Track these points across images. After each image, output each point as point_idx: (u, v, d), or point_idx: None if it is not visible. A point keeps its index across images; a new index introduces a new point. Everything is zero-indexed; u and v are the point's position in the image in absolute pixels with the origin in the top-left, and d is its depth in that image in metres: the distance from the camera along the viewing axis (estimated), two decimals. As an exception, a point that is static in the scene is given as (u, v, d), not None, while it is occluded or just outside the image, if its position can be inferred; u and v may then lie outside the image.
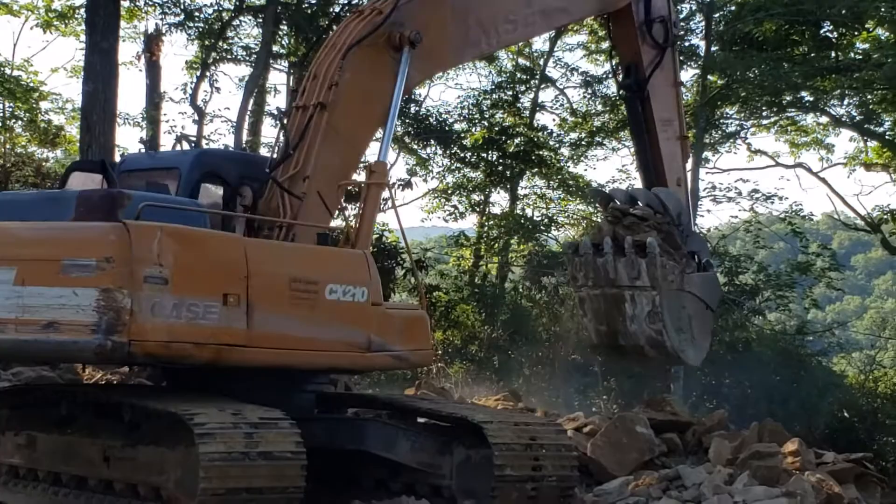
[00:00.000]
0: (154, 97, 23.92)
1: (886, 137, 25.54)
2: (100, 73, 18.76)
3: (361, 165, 11.85)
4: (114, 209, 8.63)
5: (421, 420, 10.78)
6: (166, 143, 22.99)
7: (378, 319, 9.98)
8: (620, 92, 14.65)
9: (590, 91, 28.07)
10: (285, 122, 10.88)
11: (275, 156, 10.52)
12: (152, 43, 24.10)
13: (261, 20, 23.78)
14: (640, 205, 12.39)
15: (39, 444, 9.73)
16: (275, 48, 24.19)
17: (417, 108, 25.65)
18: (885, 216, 25.73)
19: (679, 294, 12.22)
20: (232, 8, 24.60)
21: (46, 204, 9.62)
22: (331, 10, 24.23)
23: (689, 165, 17.62)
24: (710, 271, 13.36)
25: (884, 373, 21.93)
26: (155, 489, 8.62)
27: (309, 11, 23.86)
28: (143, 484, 8.69)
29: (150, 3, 24.07)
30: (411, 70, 10.81)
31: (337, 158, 10.55)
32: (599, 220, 13.78)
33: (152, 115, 23.68)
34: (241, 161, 12.36)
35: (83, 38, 20.88)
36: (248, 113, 23.83)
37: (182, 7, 23.97)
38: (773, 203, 25.43)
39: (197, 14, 24.26)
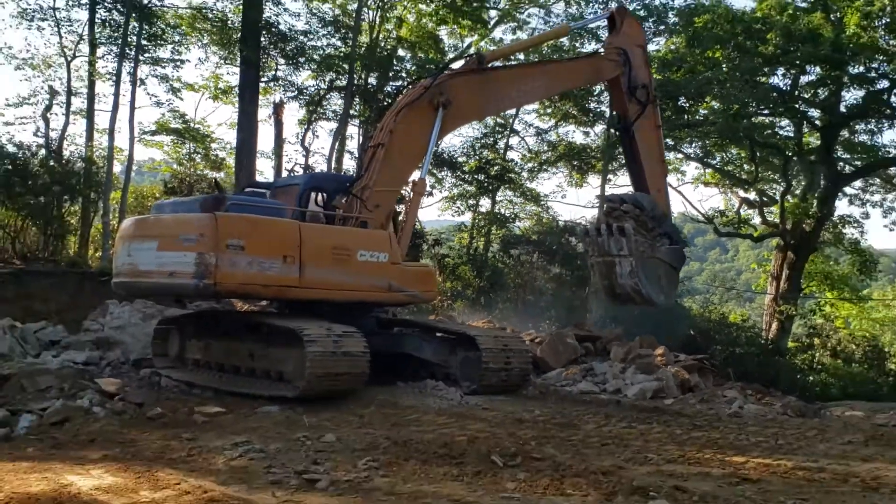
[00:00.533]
0: (279, 141, 31.73)
1: (717, 167, 37.80)
2: (246, 126, 27.85)
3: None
4: (218, 206, 12.57)
5: (438, 334, 14.70)
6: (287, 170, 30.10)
7: (397, 272, 13.73)
8: (616, 132, 18.27)
9: (540, 138, 39.21)
10: (361, 156, 15.02)
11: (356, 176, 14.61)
12: (277, 108, 31.85)
13: (342, 95, 31.46)
14: (627, 204, 15.55)
15: (211, 346, 14.21)
16: (351, 111, 31.68)
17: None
18: (716, 214, 36.84)
19: (651, 259, 15.38)
20: (325, 87, 32.32)
21: (188, 205, 13.71)
22: (386, 88, 31.54)
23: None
24: (677, 245, 16.23)
25: (714, 307, 29.56)
26: (279, 373, 12.84)
27: (372, 90, 31.63)
28: (273, 371, 12.98)
29: (276, 84, 32.02)
30: (444, 123, 14.40)
31: (388, 178, 14.15)
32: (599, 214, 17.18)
33: (277, 152, 31.77)
34: (335, 179, 16.78)
35: (237, 104, 29.57)
36: (335, 151, 32.07)
37: (295, 87, 32.08)
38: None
39: (304, 91, 32.34)
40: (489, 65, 15.16)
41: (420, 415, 11.81)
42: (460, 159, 36.08)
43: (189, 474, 8.06)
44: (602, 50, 17.23)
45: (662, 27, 32.88)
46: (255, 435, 10.13)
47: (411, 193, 14.85)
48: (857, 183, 36.28)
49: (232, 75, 33.53)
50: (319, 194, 14.53)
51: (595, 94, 33.18)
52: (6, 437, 10.17)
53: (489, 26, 36.40)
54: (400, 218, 15.19)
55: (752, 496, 7.34)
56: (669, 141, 32.57)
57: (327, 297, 13.34)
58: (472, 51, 33.24)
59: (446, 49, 36.52)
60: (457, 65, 16.30)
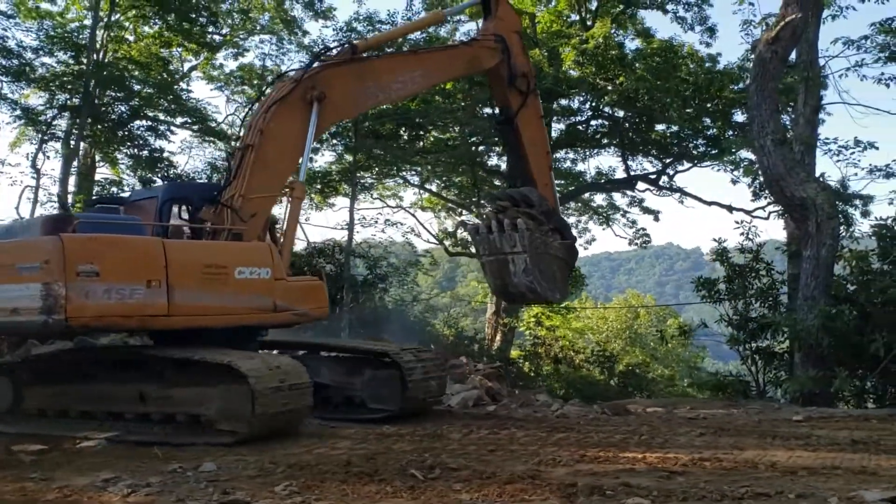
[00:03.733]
0: None
1: (434, 192, 38.19)
2: None
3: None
4: (63, 227, 10.60)
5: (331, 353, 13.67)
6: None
7: (282, 289, 11.98)
8: (498, 125, 16.56)
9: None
10: (230, 160, 12.95)
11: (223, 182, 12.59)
12: None
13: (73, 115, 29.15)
14: (517, 201, 14.71)
15: (68, 392, 11.84)
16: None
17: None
18: (445, 236, 38.84)
19: (544, 255, 14.49)
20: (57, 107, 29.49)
21: (24, 228, 11.72)
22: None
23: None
24: (569, 241, 15.36)
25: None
26: (193, 416, 10.71)
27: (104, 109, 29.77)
28: (181, 414, 10.85)
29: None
30: (320, 119, 12.79)
31: (263, 182, 12.35)
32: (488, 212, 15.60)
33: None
34: (198, 188, 14.37)
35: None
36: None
37: (18, 105, 29.04)
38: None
39: (32, 110, 29.45)
40: (363, 54, 13.81)
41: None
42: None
43: (96, 517, 6.88)
44: (476, 37, 15.88)
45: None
46: (117, 470, 8.88)
47: (289, 199, 12.94)
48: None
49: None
50: (181, 207, 12.81)
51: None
52: None
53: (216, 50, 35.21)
54: (277, 227, 13.70)
55: (712, 487, 7.30)
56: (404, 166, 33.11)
57: (203, 325, 11.39)
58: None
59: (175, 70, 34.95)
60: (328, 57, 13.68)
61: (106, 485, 8.20)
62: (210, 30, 33.70)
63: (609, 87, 30.54)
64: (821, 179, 18.39)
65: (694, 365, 45.41)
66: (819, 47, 19.85)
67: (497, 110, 16.42)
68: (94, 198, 17.98)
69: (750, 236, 20.10)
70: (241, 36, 35.58)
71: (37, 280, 10.06)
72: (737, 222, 20.45)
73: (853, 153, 20.52)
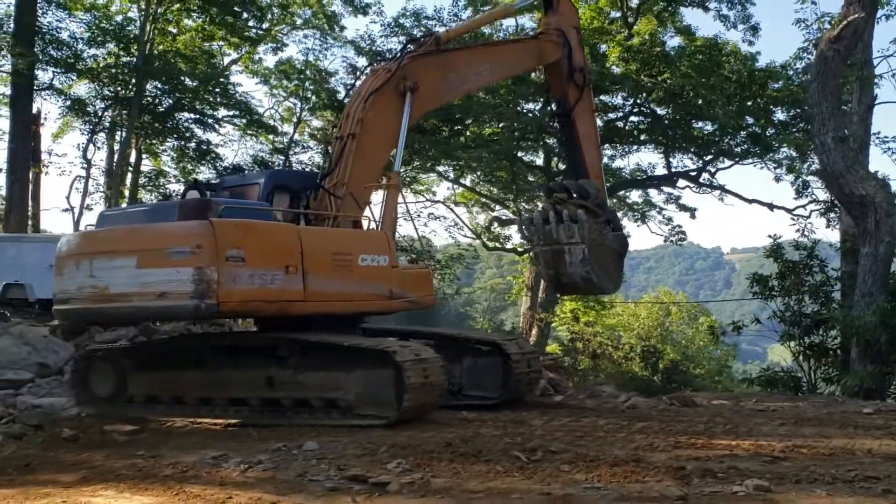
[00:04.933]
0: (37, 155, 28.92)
1: (468, 187, 38.54)
2: (21, 135, 29.27)
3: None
4: (204, 212, 10.56)
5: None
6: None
7: (397, 277, 12.16)
8: (556, 118, 16.97)
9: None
10: (329, 148, 13.14)
11: (324, 171, 12.75)
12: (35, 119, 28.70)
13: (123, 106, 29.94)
14: (573, 192, 14.69)
15: (179, 379, 11.98)
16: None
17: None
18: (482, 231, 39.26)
19: (600, 246, 14.62)
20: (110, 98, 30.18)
21: (161, 212, 11.60)
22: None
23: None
24: (620, 232, 15.57)
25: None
26: (329, 401, 10.83)
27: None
28: (315, 399, 10.92)
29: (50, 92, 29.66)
30: (413, 108, 13.02)
31: (364, 170, 12.60)
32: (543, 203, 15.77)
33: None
34: (299, 176, 14.32)
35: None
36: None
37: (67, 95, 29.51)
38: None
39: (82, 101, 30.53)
40: (446, 45, 13.99)
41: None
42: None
43: (222, 489, 7.11)
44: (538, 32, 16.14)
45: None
46: (219, 449, 9.15)
47: (387, 188, 13.11)
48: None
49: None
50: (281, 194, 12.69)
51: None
52: None
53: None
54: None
55: (821, 470, 7.47)
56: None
57: (331, 311, 11.56)
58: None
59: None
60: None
61: (216, 461, 8.48)
62: (251, 24, 33.95)
63: (652, 85, 30.62)
64: (879, 177, 18.45)
65: (724, 363, 45.48)
66: (873, 46, 19.96)
67: (553, 105, 16.64)
68: (191, 181, 17.92)
69: (805, 233, 20.16)
70: (282, 31, 35.82)
71: (188, 265, 10.06)
72: (793, 219, 20.53)
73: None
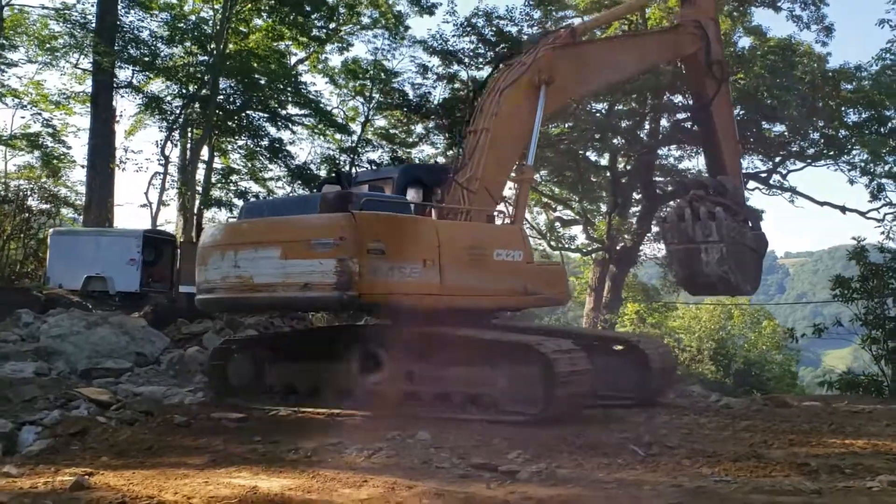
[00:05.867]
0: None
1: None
2: (102, 132, 27.00)
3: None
4: (346, 204, 10.62)
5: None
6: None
7: (530, 273, 12.01)
8: (693, 112, 16.49)
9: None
10: (463, 142, 12.89)
11: (457, 165, 12.51)
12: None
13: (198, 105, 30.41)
14: (710, 189, 14.36)
15: (315, 371, 11.93)
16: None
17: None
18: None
19: (739, 245, 14.18)
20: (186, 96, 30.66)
21: (301, 204, 11.79)
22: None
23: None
24: (759, 231, 15.11)
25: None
26: (472, 396, 10.57)
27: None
28: (459, 394, 10.69)
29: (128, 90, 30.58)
30: (547, 101, 12.76)
31: (497, 165, 12.39)
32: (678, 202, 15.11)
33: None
34: (431, 170, 14.47)
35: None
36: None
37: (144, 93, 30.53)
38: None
39: (160, 99, 31.00)
40: (581, 38, 13.80)
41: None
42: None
43: (355, 473, 7.27)
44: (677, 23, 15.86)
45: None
46: (333, 436, 9.32)
47: (520, 182, 12.97)
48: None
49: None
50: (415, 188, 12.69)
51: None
52: (7, 451, 8.99)
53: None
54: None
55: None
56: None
57: (466, 305, 11.33)
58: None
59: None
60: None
61: (336, 448, 8.67)
62: (320, 24, 34.24)
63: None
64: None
65: (788, 367, 44.85)
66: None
67: (691, 98, 16.73)
68: (329, 176, 18.09)
69: (890, 236, 19.89)
70: (349, 30, 36.05)
71: (331, 256, 10.14)
72: (878, 221, 20.25)
73: None
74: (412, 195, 12.47)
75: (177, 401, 12.30)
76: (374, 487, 6.72)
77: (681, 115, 33.12)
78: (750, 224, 14.81)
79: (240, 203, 29.84)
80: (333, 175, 15.05)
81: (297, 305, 11.63)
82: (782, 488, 6.73)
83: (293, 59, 36.57)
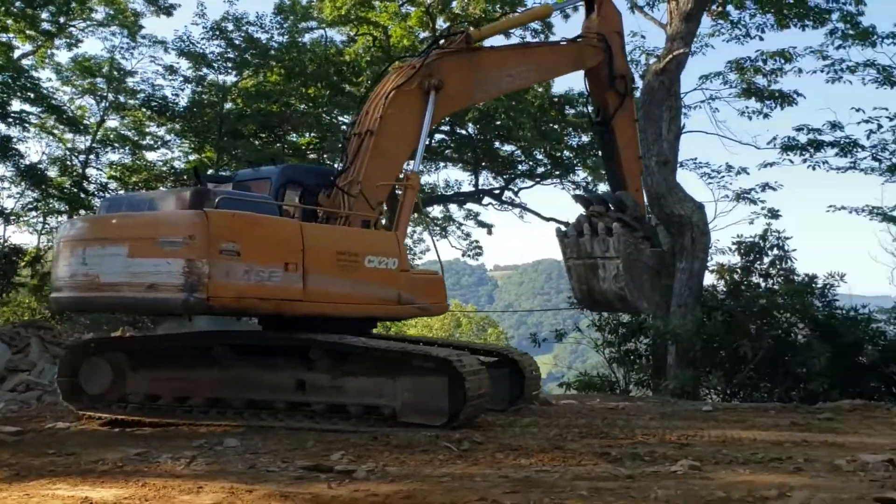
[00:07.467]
0: None
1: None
2: None
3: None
4: (202, 202, 9.97)
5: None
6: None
7: (406, 281, 11.61)
8: (595, 126, 15.79)
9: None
10: (346, 144, 12.42)
11: (338, 167, 12.03)
12: None
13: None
14: (610, 205, 14.24)
15: (189, 379, 11.34)
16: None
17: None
18: None
19: (636, 262, 14.02)
20: None
21: (159, 200, 10.98)
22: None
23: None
24: (658, 249, 14.98)
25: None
26: (367, 407, 10.32)
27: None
28: (353, 405, 10.39)
29: None
30: (436, 108, 12.36)
31: (380, 169, 11.89)
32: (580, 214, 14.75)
33: None
34: (312, 172, 13.56)
35: None
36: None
37: None
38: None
39: None
40: (476, 45, 13.28)
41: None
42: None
43: (185, 481, 7.07)
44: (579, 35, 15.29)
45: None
46: (140, 446, 8.96)
47: (404, 189, 12.40)
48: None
49: None
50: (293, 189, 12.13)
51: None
52: None
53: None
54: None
55: (729, 454, 8.28)
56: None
57: (332, 313, 10.84)
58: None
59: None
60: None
61: (144, 457, 8.35)
62: (48, 18, 32.16)
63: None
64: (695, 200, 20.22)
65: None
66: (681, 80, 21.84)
67: (592, 111, 15.86)
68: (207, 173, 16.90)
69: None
70: (82, 26, 34.14)
71: (179, 256, 9.52)
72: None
73: (722, 177, 23.02)
74: (289, 197, 11.98)
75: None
76: (213, 493, 6.50)
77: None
78: (650, 241, 14.69)
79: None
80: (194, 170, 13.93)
81: (142, 307, 10.55)
82: (599, 475, 7.20)
83: (17, 53, 34.00)
